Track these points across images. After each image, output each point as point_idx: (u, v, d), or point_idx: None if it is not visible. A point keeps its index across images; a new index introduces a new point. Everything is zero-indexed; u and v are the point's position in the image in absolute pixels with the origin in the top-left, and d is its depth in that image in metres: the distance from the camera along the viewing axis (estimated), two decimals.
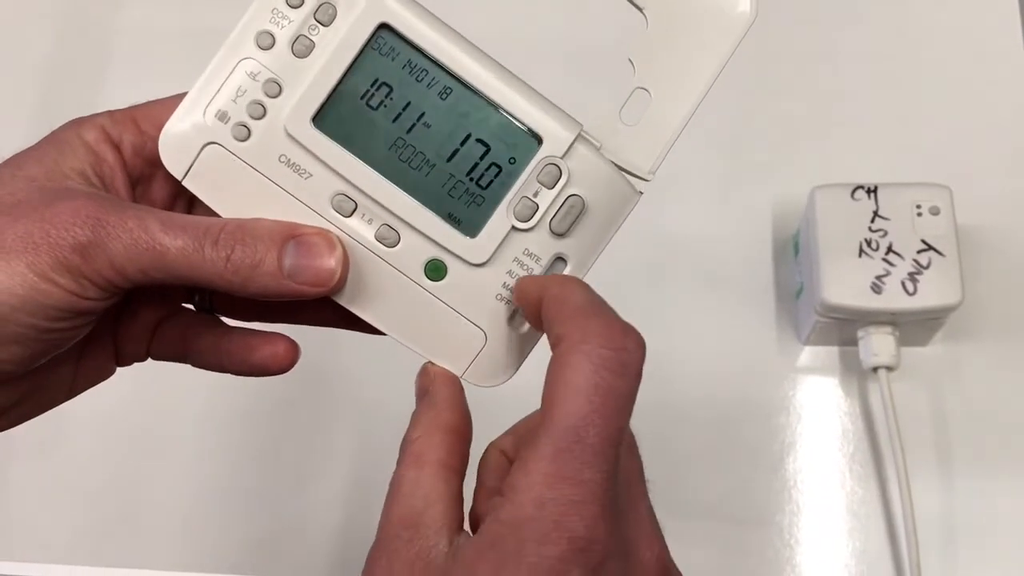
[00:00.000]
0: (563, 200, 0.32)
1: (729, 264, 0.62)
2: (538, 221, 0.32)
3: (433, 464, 0.30)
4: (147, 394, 0.61)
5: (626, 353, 0.28)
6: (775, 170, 0.64)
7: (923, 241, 0.55)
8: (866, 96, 0.65)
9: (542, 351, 0.34)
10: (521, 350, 0.34)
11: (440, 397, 0.32)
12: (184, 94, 0.33)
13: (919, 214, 0.55)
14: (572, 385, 0.28)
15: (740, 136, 0.64)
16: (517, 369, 0.34)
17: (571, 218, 0.32)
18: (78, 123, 0.33)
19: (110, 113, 0.34)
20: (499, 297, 0.33)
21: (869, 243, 0.55)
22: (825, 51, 0.66)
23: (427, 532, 0.29)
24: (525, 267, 0.33)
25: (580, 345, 0.28)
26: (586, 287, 0.31)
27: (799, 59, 0.66)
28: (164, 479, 0.61)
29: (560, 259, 0.33)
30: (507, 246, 0.33)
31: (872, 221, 0.55)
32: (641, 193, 0.33)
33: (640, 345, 0.28)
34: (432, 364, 0.34)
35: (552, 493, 0.27)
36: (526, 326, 0.34)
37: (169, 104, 0.33)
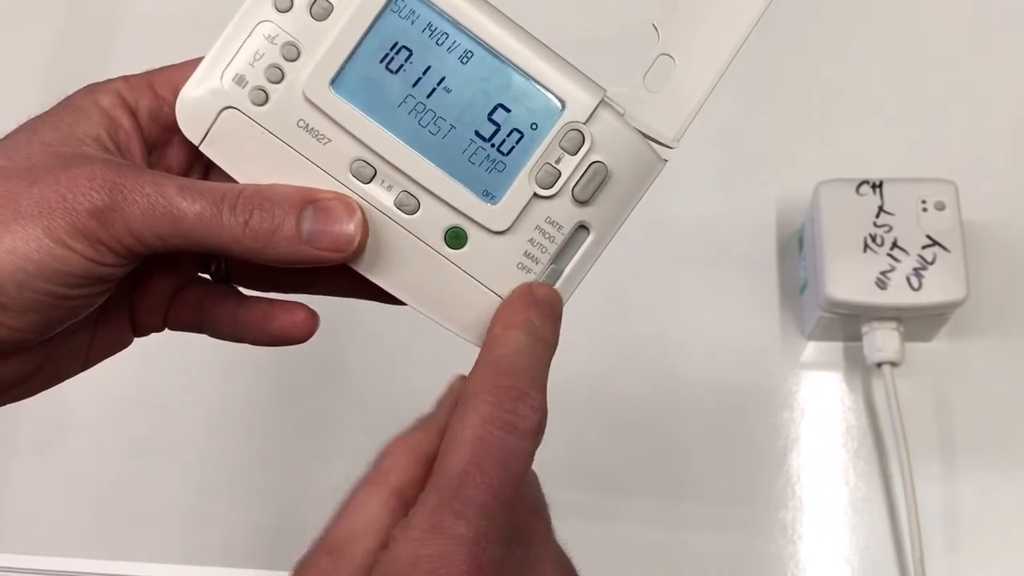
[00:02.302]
0: (586, 167, 0.32)
1: (733, 259, 0.62)
2: (560, 188, 0.32)
3: (387, 490, 0.29)
4: (152, 388, 0.60)
5: (515, 416, 0.28)
6: (780, 165, 0.64)
7: (928, 236, 0.55)
8: (871, 91, 0.65)
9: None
10: None
11: (436, 417, 0.31)
12: (201, 58, 0.33)
13: (924, 209, 0.55)
14: (458, 438, 0.28)
15: (745, 130, 0.64)
16: None
17: (594, 185, 0.32)
18: (93, 88, 0.33)
19: (126, 78, 0.33)
20: (520, 266, 0.33)
21: (874, 238, 0.55)
22: (830, 45, 0.67)
23: (345, 565, 0.28)
24: (547, 235, 0.32)
25: (473, 399, 0.28)
26: (529, 336, 0.30)
27: (804, 53, 0.66)
28: (170, 473, 0.60)
29: (583, 227, 0.33)
30: (529, 213, 0.32)
31: (877, 216, 0.55)
32: (666, 161, 0.33)
33: (536, 410, 0.28)
34: (457, 382, 0.33)
35: (426, 549, 0.26)
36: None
37: (186, 68, 0.33)
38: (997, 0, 0.66)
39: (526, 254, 0.33)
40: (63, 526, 0.59)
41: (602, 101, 0.32)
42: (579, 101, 0.32)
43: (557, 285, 0.33)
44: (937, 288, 0.54)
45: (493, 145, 0.32)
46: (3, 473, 0.60)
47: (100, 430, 0.61)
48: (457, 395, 0.31)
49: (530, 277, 0.33)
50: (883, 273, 0.55)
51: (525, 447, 0.28)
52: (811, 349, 0.60)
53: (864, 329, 0.57)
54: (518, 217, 0.32)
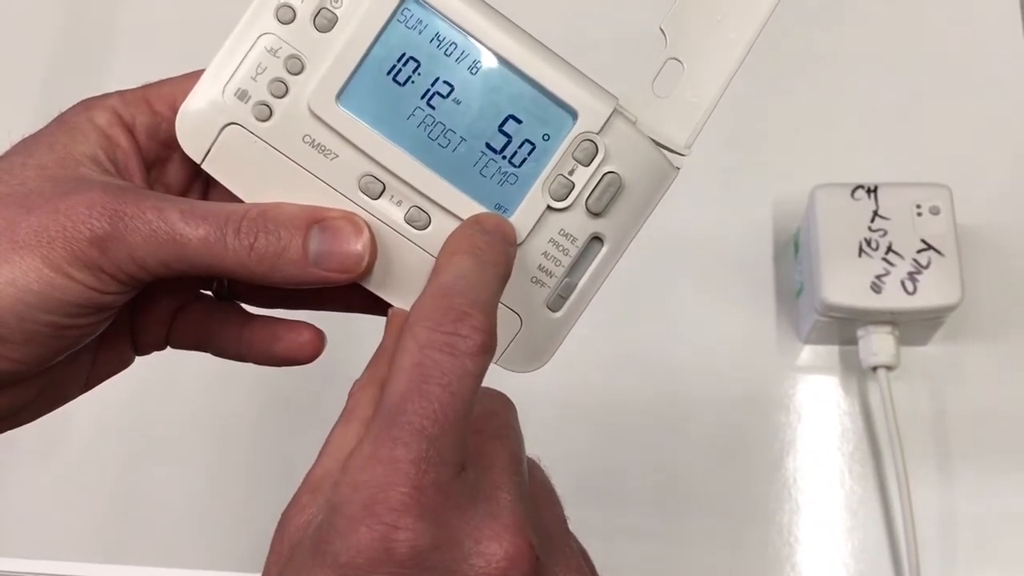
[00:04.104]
0: (600, 178, 0.31)
1: (729, 263, 0.62)
2: (574, 200, 0.31)
3: (356, 424, 0.28)
4: (153, 392, 0.60)
5: (455, 337, 0.27)
6: (776, 169, 0.64)
7: (923, 241, 0.55)
8: (867, 95, 0.65)
9: (574, 336, 0.33)
10: (557, 335, 0.33)
11: (384, 346, 0.30)
12: (199, 72, 0.32)
13: (919, 214, 0.55)
14: (397, 365, 0.27)
15: (741, 134, 0.64)
16: (553, 354, 0.33)
17: (608, 196, 0.31)
18: (88, 105, 0.32)
19: (120, 93, 0.32)
20: (534, 280, 0.32)
21: (869, 242, 0.55)
22: (826, 49, 0.66)
23: (319, 499, 0.27)
24: (561, 248, 0.32)
25: (412, 326, 0.27)
26: (474, 260, 0.29)
27: (799, 58, 0.66)
28: (170, 477, 0.60)
29: (597, 239, 0.32)
30: (542, 227, 0.32)
31: (872, 221, 0.55)
32: (678, 169, 0.32)
33: (477, 330, 0.27)
34: (395, 309, 0.31)
35: (365, 475, 0.26)
36: (562, 310, 0.33)
37: (183, 83, 0.32)
38: (993, 4, 0.66)
39: (540, 267, 0.32)
40: (64, 530, 0.59)
41: (615, 110, 0.31)
42: (592, 111, 0.31)
43: (571, 299, 0.33)
44: (932, 292, 0.54)
45: (504, 157, 0.31)
46: (4, 477, 0.60)
47: (101, 434, 0.60)
48: (400, 322, 0.30)
49: (544, 291, 0.32)
50: (878, 277, 0.55)
51: (467, 368, 0.27)
52: (807, 353, 0.60)
53: (859, 333, 0.56)
54: (532, 231, 0.32)
